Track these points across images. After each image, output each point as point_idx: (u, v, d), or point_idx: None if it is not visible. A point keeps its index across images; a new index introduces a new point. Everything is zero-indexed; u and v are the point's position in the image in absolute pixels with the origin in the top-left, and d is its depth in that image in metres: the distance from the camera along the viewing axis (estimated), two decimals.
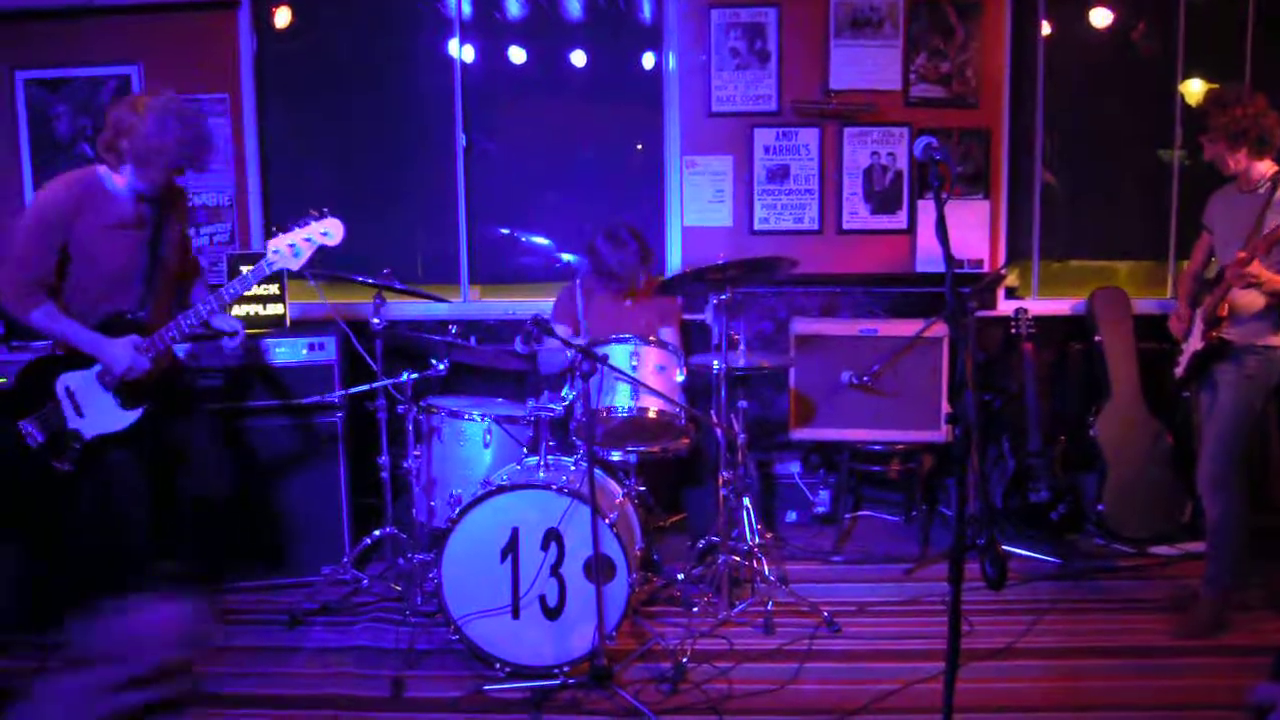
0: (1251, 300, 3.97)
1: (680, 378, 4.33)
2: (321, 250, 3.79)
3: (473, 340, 4.64)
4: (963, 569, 2.55)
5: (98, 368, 3.64)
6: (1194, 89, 5.84)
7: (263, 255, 3.76)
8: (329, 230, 3.77)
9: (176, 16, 5.69)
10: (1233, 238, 4.04)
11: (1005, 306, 5.78)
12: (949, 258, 2.74)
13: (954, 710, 2.67)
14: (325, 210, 3.79)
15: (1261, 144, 3.98)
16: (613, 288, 5.01)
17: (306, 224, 3.76)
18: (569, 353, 4.04)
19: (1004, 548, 5.00)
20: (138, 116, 3.50)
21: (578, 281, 5.19)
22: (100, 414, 3.67)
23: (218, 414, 4.59)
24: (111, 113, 3.58)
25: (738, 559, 4.47)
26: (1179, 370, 4.32)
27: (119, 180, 3.62)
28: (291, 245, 3.75)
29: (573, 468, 4.06)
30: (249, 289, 3.81)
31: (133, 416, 3.70)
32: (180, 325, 3.67)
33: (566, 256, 6.04)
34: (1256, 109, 3.97)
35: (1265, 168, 4.02)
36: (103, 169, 3.64)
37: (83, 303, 3.64)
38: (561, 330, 5.00)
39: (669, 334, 5.03)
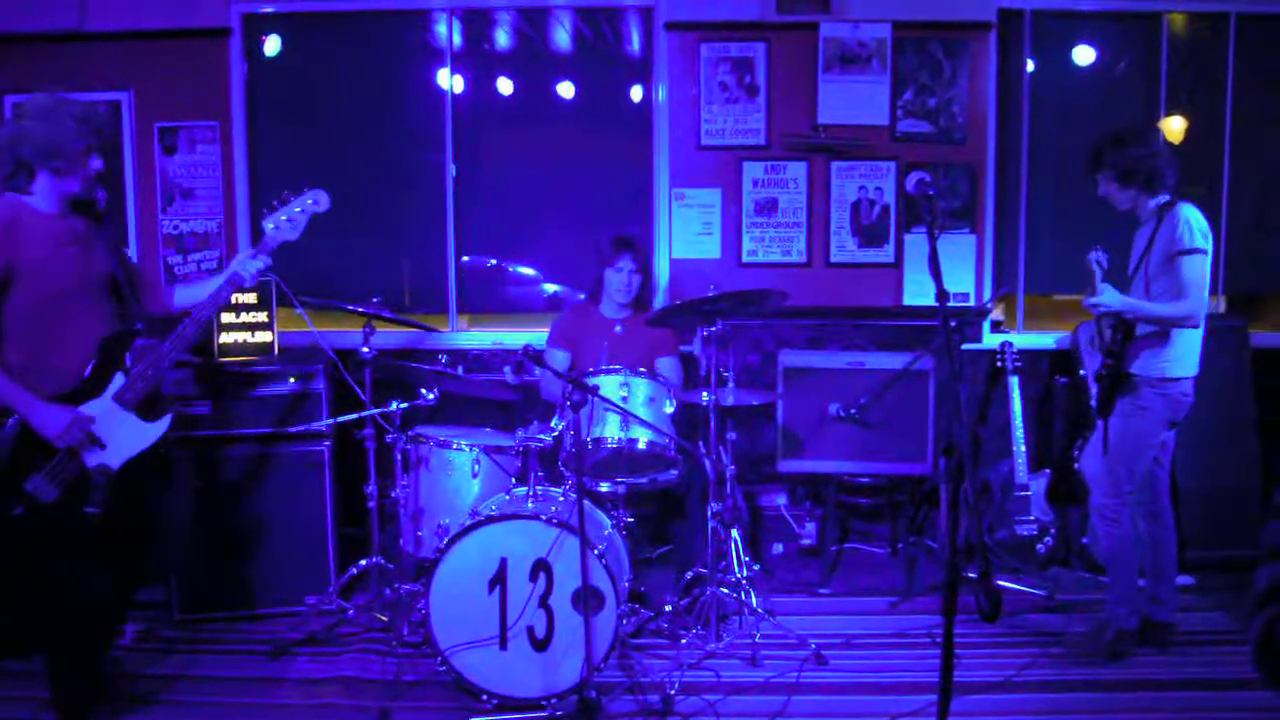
0: (1145, 331, 4.09)
1: (669, 409, 4.34)
2: (314, 219, 3.96)
3: (461, 370, 4.64)
4: (956, 601, 2.55)
5: (112, 389, 3.51)
6: (1175, 126, 5.92)
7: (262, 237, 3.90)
8: (317, 199, 3.96)
9: (168, 43, 5.70)
10: (1132, 267, 4.21)
11: (990, 340, 5.82)
12: (941, 292, 2.75)
13: None
14: (303, 185, 3.96)
15: (1150, 183, 4.10)
16: (607, 302, 5.05)
17: (292, 200, 3.93)
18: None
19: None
20: (25, 121, 3.40)
21: (572, 307, 5.22)
22: (125, 437, 3.55)
23: (203, 442, 4.61)
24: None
25: (725, 591, 4.47)
26: (1093, 401, 4.35)
27: (37, 200, 3.46)
28: (289, 219, 3.90)
29: (561, 498, 4.05)
30: (254, 274, 3.84)
31: (161, 427, 3.65)
32: (169, 354, 3.59)
33: (551, 287, 6.03)
34: (1150, 149, 4.11)
35: (1155, 202, 4.13)
36: (16, 197, 3.45)
37: (30, 331, 3.44)
38: (560, 357, 5.01)
39: (668, 365, 5.04)
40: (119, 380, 3.54)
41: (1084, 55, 5.91)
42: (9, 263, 3.36)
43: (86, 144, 3.45)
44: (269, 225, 3.87)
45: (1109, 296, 4.01)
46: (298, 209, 3.91)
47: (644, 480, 4.40)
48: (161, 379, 3.68)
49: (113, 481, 3.48)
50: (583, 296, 5.22)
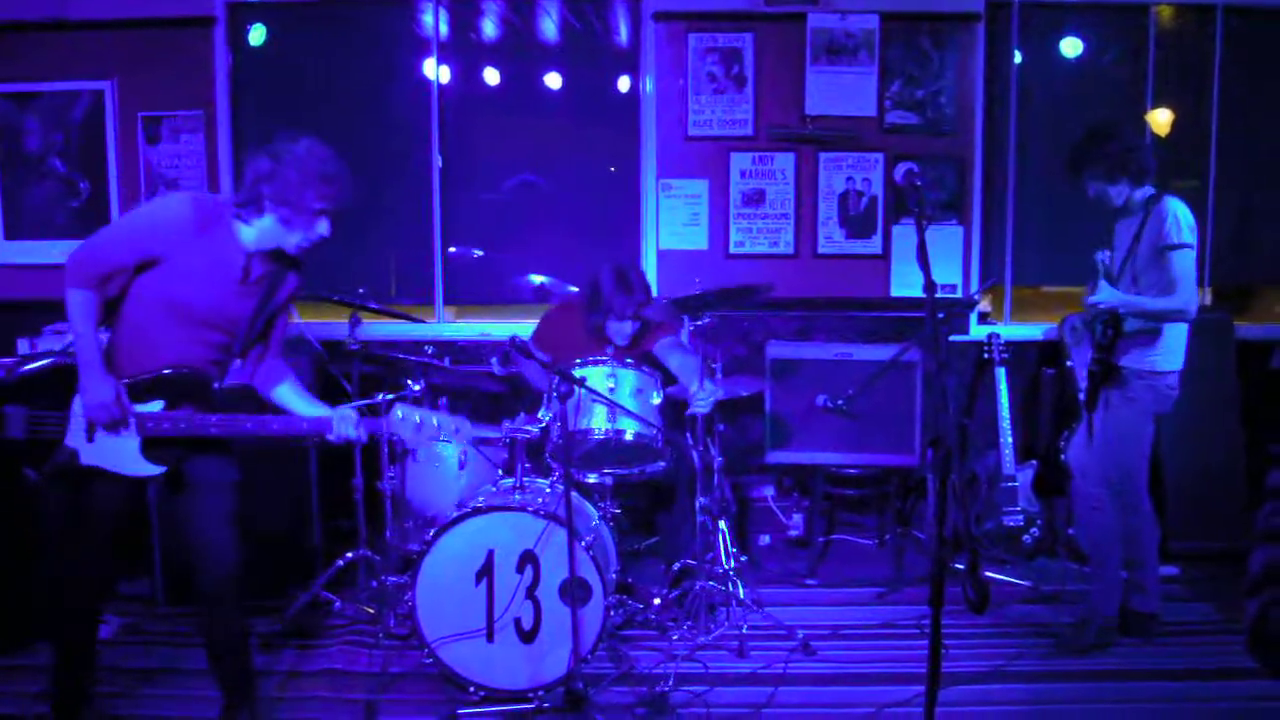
0: (1135, 326, 4.09)
1: (657, 400, 4.32)
2: (439, 439, 3.44)
3: (447, 361, 4.62)
4: (943, 591, 2.55)
5: (143, 407, 3.22)
6: (1161, 118, 5.93)
7: (385, 414, 3.37)
8: (462, 430, 3.39)
9: (152, 32, 5.68)
10: (1119, 261, 4.20)
11: (977, 332, 5.83)
12: (929, 283, 2.75)
13: None
14: (464, 416, 3.45)
15: (1140, 175, 4.10)
16: (597, 331, 4.72)
17: (442, 414, 3.39)
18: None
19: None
20: (279, 163, 3.24)
21: (561, 311, 4.98)
22: (113, 450, 3.22)
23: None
24: (250, 162, 3.25)
25: (713, 582, 4.47)
26: (1082, 394, 4.36)
27: (247, 231, 3.29)
28: (421, 425, 3.34)
29: (548, 490, 4.04)
30: (341, 438, 3.34)
31: (148, 471, 3.26)
32: (210, 426, 3.28)
33: (538, 279, 6.02)
34: (1133, 142, 4.12)
35: (1141, 193, 4.14)
36: (231, 213, 3.29)
37: (136, 323, 3.27)
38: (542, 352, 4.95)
39: (668, 343, 4.80)
40: (156, 407, 3.26)
41: (1072, 47, 5.92)
42: (163, 252, 3.18)
43: (321, 207, 3.30)
44: (398, 412, 3.33)
45: (1106, 294, 4.02)
46: (435, 421, 3.35)
47: (631, 472, 4.39)
48: (188, 435, 3.28)
49: (69, 469, 3.20)
50: (575, 289, 5.16)
